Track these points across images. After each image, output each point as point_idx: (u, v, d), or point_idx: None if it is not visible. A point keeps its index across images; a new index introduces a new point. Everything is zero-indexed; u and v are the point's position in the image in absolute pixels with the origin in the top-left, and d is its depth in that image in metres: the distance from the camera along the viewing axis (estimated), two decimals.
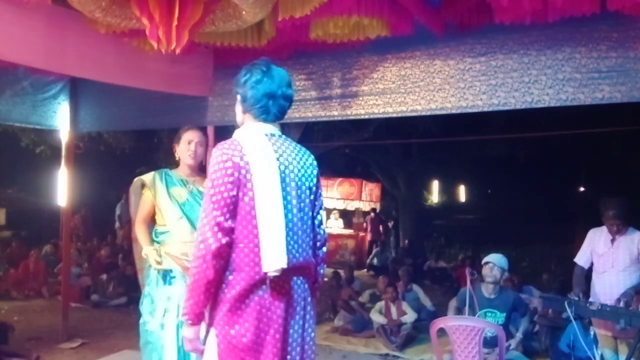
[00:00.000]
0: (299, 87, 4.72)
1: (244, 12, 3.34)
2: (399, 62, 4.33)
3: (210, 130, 5.50)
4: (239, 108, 2.30)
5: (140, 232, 3.42)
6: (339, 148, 11.68)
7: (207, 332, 2.12)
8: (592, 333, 4.41)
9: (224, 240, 2.02)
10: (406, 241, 12.87)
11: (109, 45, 4.12)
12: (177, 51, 3.21)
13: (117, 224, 12.15)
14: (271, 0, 3.33)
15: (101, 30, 3.76)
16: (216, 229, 2.02)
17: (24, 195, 13.53)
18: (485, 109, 4.08)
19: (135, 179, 3.54)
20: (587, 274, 4.44)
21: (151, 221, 3.45)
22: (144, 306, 3.45)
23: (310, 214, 2.26)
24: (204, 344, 2.13)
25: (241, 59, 4.71)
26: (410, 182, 13.49)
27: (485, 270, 4.33)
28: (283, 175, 2.15)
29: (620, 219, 4.19)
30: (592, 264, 4.39)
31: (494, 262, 4.32)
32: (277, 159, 2.16)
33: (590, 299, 4.19)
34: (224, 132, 6.53)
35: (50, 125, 5.83)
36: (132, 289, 8.11)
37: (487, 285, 4.34)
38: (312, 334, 2.24)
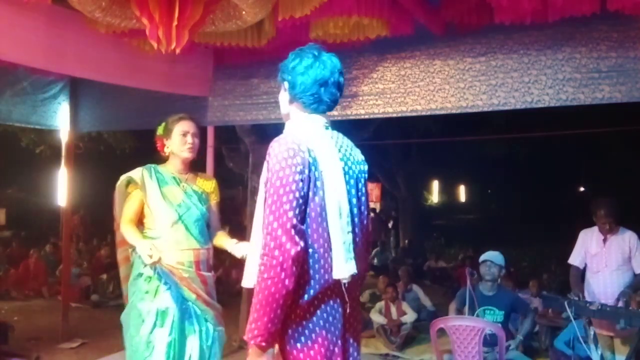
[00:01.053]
0: None
1: (244, 12, 3.34)
2: (398, 62, 4.33)
3: (210, 130, 5.51)
4: (284, 97, 2.04)
5: (127, 230, 2.97)
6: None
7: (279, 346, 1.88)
8: (592, 333, 4.41)
9: (302, 244, 1.77)
10: (406, 241, 12.87)
11: (109, 45, 4.12)
12: (177, 51, 3.21)
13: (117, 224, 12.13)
14: (271, 0, 3.33)
15: (101, 30, 3.76)
16: (293, 232, 1.76)
17: (24, 195, 13.53)
18: (485, 109, 4.08)
19: (122, 177, 3.15)
20: (584, 273, 4.47)
21: (139, 224, 3.04)
22: (131, 318, 2.99)
23: (365, 213, 2.06)
24: None
25: (241, 59, 4.75)
26: (410, 182, 13.48)
27: (483, 269, 4.33)
28: (344, 171, 1.95)
29: (611, 218, 4.24)
30: (586, 264, 4.43)
31: (492, 260, 4.32)
32: (339, 154, 1.96)
33: (587, 299, 4.21)
34: (224, 132, 6.55)
35: (50, 125, 5.83)
36: None
37: (485, 283, 4.35)
38: (357, 343, 2.06)
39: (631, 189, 11.74)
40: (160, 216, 2.99)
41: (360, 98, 4.48)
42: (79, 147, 6.93)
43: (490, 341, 3.99)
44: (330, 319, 1.87)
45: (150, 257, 2.75)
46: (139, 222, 3.04)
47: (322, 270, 1.84)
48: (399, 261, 10.83)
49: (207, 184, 3.23)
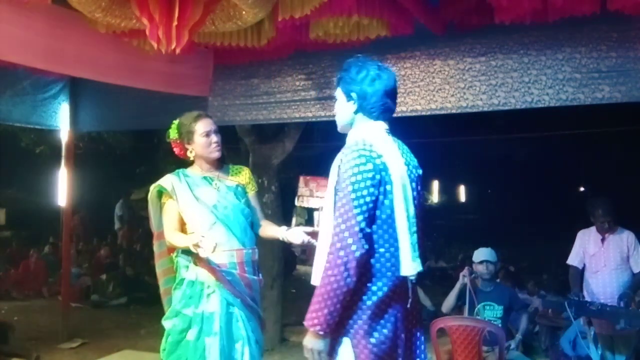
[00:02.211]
0: (299, 87, 4.72)
1: (244, 12, 3.34)
2: (399, 62, 4.33)
3: None
4: (349, 107, 2.14)
5: (173, 236, 2.81)
6: (339, 148, 11.69)
7: (336, 342, 1.99)
8: (592, 333, 4.42)
9: (366, 247, 1.92)
10: None
11: (109, 45, 4.12)
12: (177, 51, 3.20)
13: (117, 224, 12.14)
14: (271, 0, 3.33)
15: (101, 30, 3.76)
16: (360, 235, 1.91)
17: (24, 195, 13.52)
18: (485, 109, 4.08)
19: (151, 187, 2.94)
20: (583, 273, 4.48)
21: (181, 232, 2.87)
22: (176, 325, 2.84)
23: (421, 215, 2.16)
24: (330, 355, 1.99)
25: (241, 59, 4.75)
26: None
27: (482, 268, 4.33)
28: (407, 174, 2.07)
29: (609, 217, 4.26)
30: (585, 264, 4.44)
31: (489, 260, 4.33)
32: (402, 159, 2.09)
33: (587, 299, 4.22)
34: (224, 132, 6.55)
35: (50, 125, 5.83)
36: (132, 289, 8.13)
37: (484, 281, 4.36)
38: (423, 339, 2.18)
39: (631, 189, 11.74)
40: (196, 220, 2.82)
41: None
42: (79, 147, 6.95)
43: (490, 341, 3.99)
44: (398, 314, 2.01)
45: (197, 245, 2.56)
46: (181, 231, 2.88)
47: (393, 269, 1.98)
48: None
49: (241, 176, 3.02)
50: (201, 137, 2.86)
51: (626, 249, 4.25)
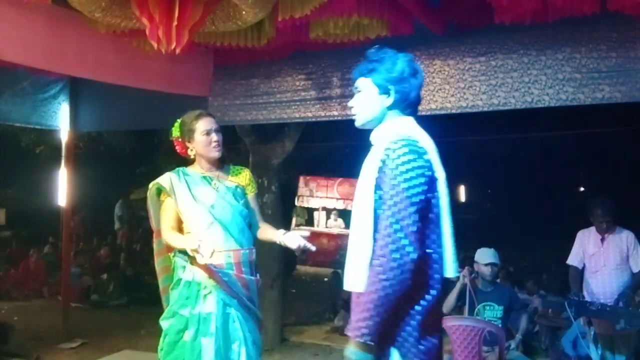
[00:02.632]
0: (298, 87, 4.72)
1: (244, 12, 3.34)
2: None
3: None
4: (381, 101, 2.00)
5: (170, 236, 2.81)
6: (339, 148, 11.69)
7: (382, 354, 1.82)
8: (592, 333, 4.42)
9: (422, 248, 1.78)
10: None
11: (109, 45, 4.12)
12: (177, 51, 3.20)
13: (116, 224, 12.14)
14: (271, 0, 3.33)
15: (101, 30, 3.76)
16: (417, 236, 1.75)
17: (24, 195, 13.52)
18: (485, 109, 4.08)
19: (150, 185, 2.95)
20: (583, 273, 4.48)
21: (179, 231, 2.87)
22: (173, 325, 2.84)
23: None
24: None
25: (241, 59, 4.75)
26: None
27: (487, 270, 4.31)
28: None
29: (608, 217, 4.26)
30: (585, 264, 4.44)
31: (496, 262, 4.32)
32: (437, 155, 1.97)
33: (587, 299, 4.22)
34: (224, 132, 6.54)
35: (50, 125, 5.83)
36: (132, 289, 8.13)
37: (485, 282, 4.35)
38: None
39: (631, 189, 11.74)
40: (195, 219, 2.81)
41: None
42: (79, 147, 6.94)
43: (490, 341, 3.99)
44: (440, 318, 1.97)
45: (196, 251, 2.55)
46: (179, 229, 2.88)
47: (440, 271, 1.88)
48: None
49: (241, 177, 3.02)
50: (201, 136, 2.86)
51: (626, 248, 4.26)
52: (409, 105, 1.99)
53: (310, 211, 15.65)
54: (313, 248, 2.78)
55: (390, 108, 1.99)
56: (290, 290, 7.95)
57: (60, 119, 5.77)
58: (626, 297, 4.05)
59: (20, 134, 9.87)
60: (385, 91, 1.99)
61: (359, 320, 1.79)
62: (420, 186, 1.79)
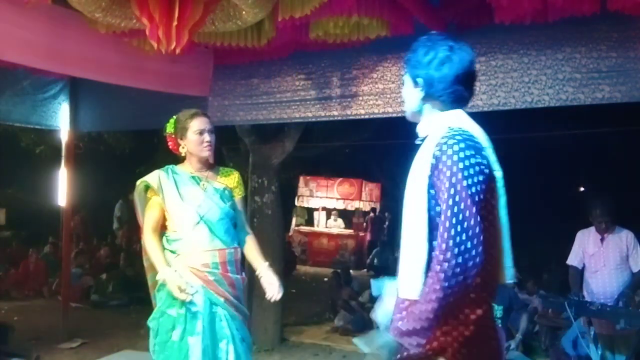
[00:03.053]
0: (298, 87, 4.72)
1: (244, 12, 3.34)
2: (398, 62, 4.33)
3: None
4: (415, 94, 1.86)
5: (152, 248, 2.85)
6: (339, 148, 11.68)
7: None
8: (592, 333, 4.42)
9: (486, 253, 1.60)
10: None
11: (109, 45, 4.12)
12: (177, 51, 3.20)
13: (115, 225, 12.14)
14: (271, 0, 3.33)
15: (101, 30, 3.76)
16: (481, 238, 1.58)
17: (24, 195, 13.51)
18: (485, 109, 4.08)
19: (138, 182, 2.98)
20: (583, 273, 4.49)
21: (162, 228, 2.94)
22: (161, 325, 2.86)
23: None
24: None
25: (241, 59, 4.75)
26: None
27: None
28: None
29: (608, 217, 4.27)
30: (585, 264, 4.45)
31: None
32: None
33: (587, 298, 4.22)
34: (224, 132, 6.55)
35: (50, 125, 5.83)
36: (132, 289, 8.13)
37: None
38: None
39: (631, 189, 11.73)
40: (181, 219, 2.86)
41: (360, 98, 4.48)
42: (79, 147, 6.93)
43: None
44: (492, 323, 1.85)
45: (182, 290, 2.66)
46: (162, 227, 2.92)
47: (496, 277, 1.75)
48: (399, 261, 10.83)
49: (230, 179, 3.05)
50: (194, 135, 2.88)
51: (625, 248, 4.27)
52: (442, 97, 1.81)
53: (310, 211, 15.65)
54: (277, 297, 2.89)
55: (425, 100, 1.85)
56: (290, 290, 7.93)
57: (60, 119, 5.77)
58: (626, 297, 4.05)
59: (20, 134, 9.85)
60: (416, 83, 1.86)
61: (418, 331, 1.63)
62: (480, 184, 1.63)
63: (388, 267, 10.76)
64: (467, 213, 1.60)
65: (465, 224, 1.59)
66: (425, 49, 1.88)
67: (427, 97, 1.83)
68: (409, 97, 1.90)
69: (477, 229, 1.59)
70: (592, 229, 4.42)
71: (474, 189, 1.62)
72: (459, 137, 1.68)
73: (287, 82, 4.78)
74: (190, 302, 2.78)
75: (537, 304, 6.20)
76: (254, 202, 5.94)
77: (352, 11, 3.43)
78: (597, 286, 4.31)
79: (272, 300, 2.91)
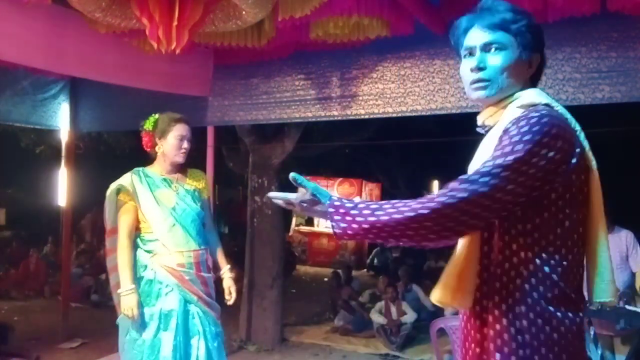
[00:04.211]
0: (298, 87, 4.72)
1: (244, 12, 3.34)
2: (398, 61, 4.33)
3: (210, 130, 5.51)
4: (525, 68, 1.50)
5: (123, 258, 2.88)
6: (339, 148, 11.69)
7: None
8: (592, 333, 4.42)
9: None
10: None
11: (109, 45, 4.12)
12: (177, 51, 3.21)
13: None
14: (271, 0, 3.33)
15: (101, 30, 3.76)
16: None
17: (24, 195, 13.51)
18: None
19: (112, 185, 3.06)
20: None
21: (135, 230, 3.00)
22: (132, 322, 2.93)
23: None
24: None
25: (241, 59, 4.75)
26: (410, 182, 13.49)
27: None
28: None
29: (607, 217, 4.25)
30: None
31: None
32: None
33: (586, 299, 4.23)
34: (224, 132, 6.55)
35: (50, 125, 5.83)
36: None
37: None
38: None
39: (631, 189, 11.74)
40: (157, 221, 2.95)
41: (360, 98, 4.48)
42: (79, 147, 6.93)
43: None
44: None
45: (131, 312, 2.83)
46: (136, 230, 3.01)
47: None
48: (399, 261, 10.84)
49: (198, 181, 3.17)
50: (174, 139, 2.98)
51: (625, 248, 4.27)
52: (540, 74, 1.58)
53: None
54: (231, 301, 3.13)
55: (531, 79, 1.58)
56: (290, 290, 7.95)
57: (60, 119, 5.77)
58: (626, 296, 4.05)
59: (20, 134, 9.85)
60: (530, 57, 1.53)
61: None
62: (557, 152, 1.32)
63: (388, 267, 10.76)
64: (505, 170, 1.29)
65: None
66: (532, 17, 1.55)
67: (534, 75, 1.54)
68: (516, 71, 1.48)
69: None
70: None
71: (541, 150, 1.30)
72: (554, 118, 1.39)
73: (286, 82, 4.78)
74: (165, 301, 2.91)
75: None
76: (254, 202, 5.94)
77: (352, 11, 3.42)
78: None
79: (230, 303, 3.15)
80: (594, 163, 1.46)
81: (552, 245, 1.36)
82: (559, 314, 1.36)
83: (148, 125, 3.08)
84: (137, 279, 2.95)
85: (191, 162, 3.19)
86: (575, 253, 1.41)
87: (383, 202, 1.41)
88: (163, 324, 2.90)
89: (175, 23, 3.10)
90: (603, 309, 3.81)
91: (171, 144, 2.99)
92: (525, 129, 1.33)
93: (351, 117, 4.62)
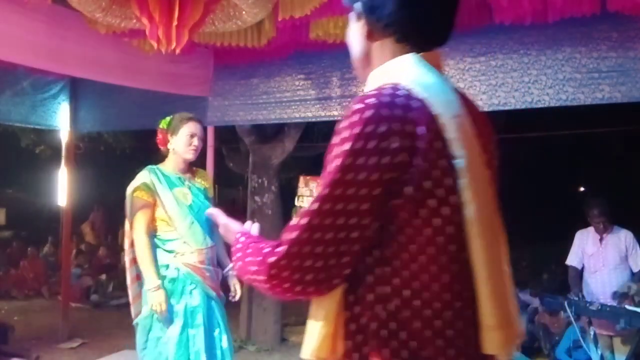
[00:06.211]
0: (298, 87, 4.72)
1: (244, 12, 3.34)
2: None
3: (210, 130, 5.51)
4: (359, 29, 1.18)
5: (145, 254, 2.90)
6: None
7: None
8: (592, 333, 4.42)
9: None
10: None
11: (109, 45, 4.12)
12: (177, 51, 3.21)
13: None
14: (271, 0, 3.33)
15: (101, 30, 3.76)
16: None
17: (24, 195, 13.53)
18: (485, 109, 4.08)
19: (134, 183, 3.02)
20: (582, 273, 4.50)
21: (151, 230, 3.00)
22: (155, 321, 2.94)
23: None
24: None
25: (241, 59, 4.75)
26: None
27: None
28: None
29: (604, 217, 4.28)
30: (584, 264, 4.46)
31: None
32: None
33: (586, 299, 4.23)
34: (224, 132, 6.55)
35: (50, 125, 5.83)
36: None
37: None
38: None
39: (631, 189, 11.74)
40: (179, 220, 2.98)
41: None
42: (79, 147, 6.92)
43: None
44: None
45: (159, 308, 2.84)
46: (152, 229, 3.02)
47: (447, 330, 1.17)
48: None
49: (205, 180, 3.26)
50: (184, 136, 3.03)
51: (624, 248, 4.27)
52: (398, 28, 1.11)
53: None
54: (237, 297, 3.18)
55: (371, 37, 1.16)
56: None
57: (60, 119, 5.77)
58: (632, 290, 4.05)
59: (20, 134, 9.85)
60: (357, 15, 1.20)
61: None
62: (377, 168, 1.02)
63: None
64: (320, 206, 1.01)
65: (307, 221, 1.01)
66: None
67: (373, 30, 1.13)
68: (353, 37, 1.19)
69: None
70: (591, 229, 4.42)
71: (356, 175, 1.02)
72: (373, 99, 1.03)
73: (286, 82, 4.78)
74: (189, 298, 2.96)
75: (537, 304, 6.21)
76: (254, 202, 5.94)
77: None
78: (597, 286, 4.32)
79: (235, 299, 3.22)
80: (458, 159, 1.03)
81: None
82: None
83: (163, 124, 3.13)
84: (146, 291, 2.95)
85: (191, 162, 3.21)
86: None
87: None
88: (190, 321, 2.96)
89: (175, 23, 3.10)
90: (603, 308, 3.82)
91: (181, 140, 3.04)
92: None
93: None
